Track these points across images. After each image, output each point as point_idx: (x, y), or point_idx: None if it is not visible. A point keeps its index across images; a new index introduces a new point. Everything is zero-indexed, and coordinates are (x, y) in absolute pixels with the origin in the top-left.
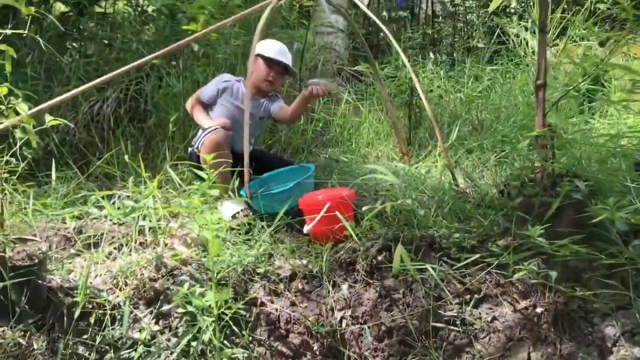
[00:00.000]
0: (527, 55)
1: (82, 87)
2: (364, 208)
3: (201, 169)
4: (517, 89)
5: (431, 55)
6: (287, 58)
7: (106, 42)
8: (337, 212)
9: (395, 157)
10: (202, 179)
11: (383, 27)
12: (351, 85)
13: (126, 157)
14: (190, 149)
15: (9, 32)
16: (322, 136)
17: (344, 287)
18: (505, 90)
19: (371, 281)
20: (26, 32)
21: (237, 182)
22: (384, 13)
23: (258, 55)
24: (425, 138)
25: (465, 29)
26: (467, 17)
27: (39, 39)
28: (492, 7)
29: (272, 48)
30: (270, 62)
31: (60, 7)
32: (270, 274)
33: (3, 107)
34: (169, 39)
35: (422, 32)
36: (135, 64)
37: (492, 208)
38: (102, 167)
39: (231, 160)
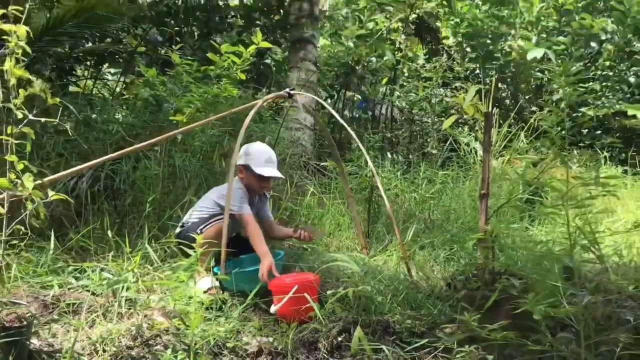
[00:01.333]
0: (475, 163)
1: (86, 164)
2: (328, 292)
3: (189, 246)
4: (465, 194)
5: (389, 156)
6: (274, 164)
7: (83, 120)
8: (305, 294)
9: (355, 248)
10: (187, 255)
11: (347, 127)
12: (316, 178)
13: (109, 232)
14: (179, 229)
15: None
16: (287, 224)
17: None
18: (455, 193)
19: (331, 359)
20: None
21: (212, 261)
22: (346, 112)
23: (246, 166)
24: (383, 232)
25: (421, 134)
26: (423, 120)
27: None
28: (446, 125)
29: (260, 158)
30: (259, 176)
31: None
32: (238, 349)
33: (18, 181)
34: (149, 124)
35: (382, 134)
36: (125, 151)
37: (440, 299)
38: (79, 239)
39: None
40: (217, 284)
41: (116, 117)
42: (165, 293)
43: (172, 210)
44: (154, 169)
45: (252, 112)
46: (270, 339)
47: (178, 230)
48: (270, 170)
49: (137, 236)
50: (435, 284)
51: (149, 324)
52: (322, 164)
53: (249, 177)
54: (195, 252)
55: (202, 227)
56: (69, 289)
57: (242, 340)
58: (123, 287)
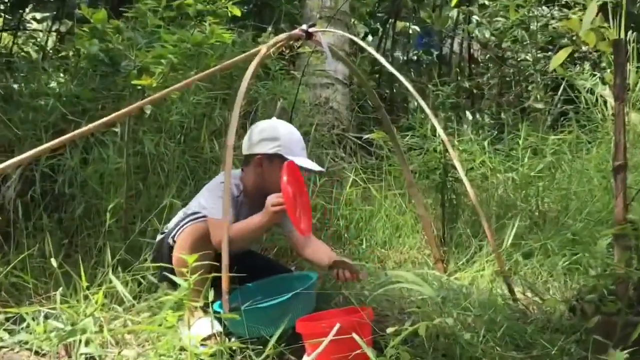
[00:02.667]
0: (606, 120)
1: (11, 161)
2: (388, 330)
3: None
4: (592, 168)
5: (469, 117)
6: (306, 152)
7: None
8: (353, 335)
9: (425, 262)
10: (174, 284)
11: (401, 77)
12: (358, 159)
13: (53, 260)
14: (160, 236)
15: None
16: (319, 231)
17: None
18: (576, 169)
19: None
20: None
21: (212, 293)
22: (397, 54)
23: (276, 155)
24: (466, 235)
25: (517, 79)
26: (519, 58)
27: None
28: (555, 64)
29: (296, 144)
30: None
31: None
32: None
33: None
34: (101, 95)
35: (456, 84)
36: (67, 137)
37: (561, 331)
38: (9, 273)
39: (215, 263)
40: (219, 328)
41: (51, 86)
42: (144, 345)
43: (144, 221)
44: (114, 161)
45: (253, 65)
46: None
47: (157, 242)
48: (313, 165)
49: (95, 263)
50: (553, 309)
51: None
52: (366, 136)
53: (272, 171)
54: (185, 280)
55: (174, 233)
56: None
57: None
58: (80, 340)
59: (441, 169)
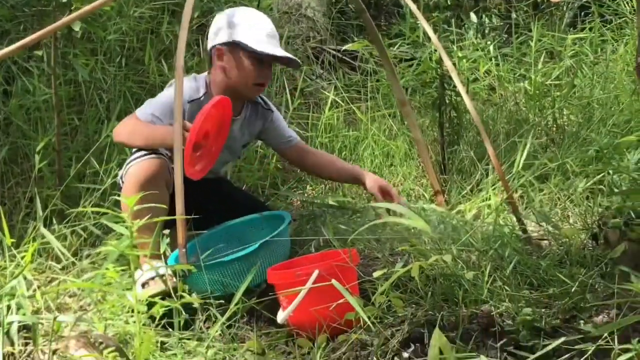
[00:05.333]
0: (632, 13)
1: None
2: (375, 273)
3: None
4: (619, 71)
5: (472, 17)
6: (277, 42)
7: None
8: (333, 282)
9: (422, 195)
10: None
11: None
12: (338, 75)
13: None
14: (118, 178)
15: None
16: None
17: None
18: (600, 73)
19: None
20: None
21: (166, 240)
22: None
23: (234, 44)
24: (469, 160)
25: None
26: None
27: None
28: None
29: (258, 30)
30: (259, 57)
31: None
32: None
33: None
34: (20, 11)
35: None
36: None
37: (582, 265)
38: None
39: (165, 206)
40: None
41: None
42: (86, 308)
43: (81, 162)
44: (42, 93)
45: None
46: None
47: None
48: (281, 51)
49: (26, 215)
50: (572, 239)
51: None
52: (346, 47)
53: (236, 66)
54: (127, 226)
55: (121, 173)
56: None
57: None
58: (9, 306)
59: (438, 83)
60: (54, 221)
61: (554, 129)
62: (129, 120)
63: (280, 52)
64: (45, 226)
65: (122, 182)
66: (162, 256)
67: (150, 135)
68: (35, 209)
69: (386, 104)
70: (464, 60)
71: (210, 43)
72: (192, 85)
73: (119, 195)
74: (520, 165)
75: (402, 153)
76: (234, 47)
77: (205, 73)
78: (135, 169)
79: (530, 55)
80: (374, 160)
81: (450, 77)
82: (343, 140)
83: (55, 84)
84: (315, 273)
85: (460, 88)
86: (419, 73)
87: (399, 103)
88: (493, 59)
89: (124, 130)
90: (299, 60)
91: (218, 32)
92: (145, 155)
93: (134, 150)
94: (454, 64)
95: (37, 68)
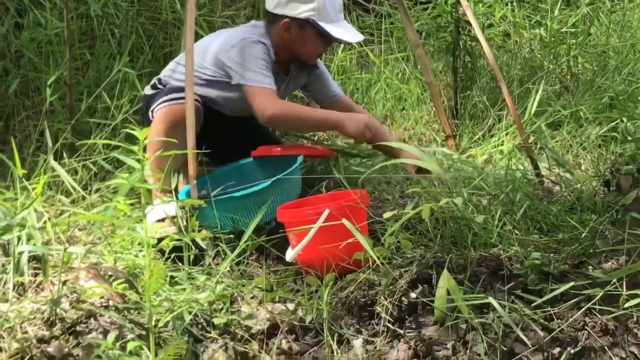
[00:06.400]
0: None
1: None
2: (385, 214)
3: None
4: (635, 19)
5: None
6: (342, 15)
7: None
8: (344, 221)
9: (434, 139)
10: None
11: None
12: (352, 18)
13: None
14: (150, 91)
15: None
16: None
17: (357, 343)
18: (616, 21)
19: (401, 331)
20: None
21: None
22: None
23: (306, 21)
24: (482, 105)
25: None
26: None
27: None
28: None
29: (330, 9)
30: (329, 38)
31: None
32: (235, 327)
33: None
34: None
35: None
36: None
37: (594, 211)
38: None
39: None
40: (173, 212)
41: None
42: (96, 241)
43: (92, 96)
44: (54, 26)
45: None
46: (290, 306)
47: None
48: (352, 34)
49: (37, 149)
50: (584, 185)
51: (72, 296)
52: None
53: (303, 42)
54: (139, 159)
55: (157, 104)
56: None
57: (241, 312)
58: (20, 237)
59: (451, 26)
60: (65, 155)
61: (568, 76)
62: (269, 99)
63: (353, 37)
64: (55, 160)
65: (152, 116)
66: (174, 192)
67: (321, 121)
68: (46, 142)
69: (399, 47)
70: (480, 5)
71: (279, 9)
72: (260, 38)
73: (133, 127)
74: (533, 111)
75: (415, 97)
76: (305, 23)
77: (261, 23)
78: (166, 112)
79: (546, 2)
80: (386, 104)
81: (466, 22)
82: (355, 83)
83: (68, 17)
84: (326, 212)
85: (477, 30)
86: (434, 17)
87: (413, 46)
88: (509, 4)
89: (283, 113)
90: (362, 37)
91: (290, 3)
92: (177, 99)
93: (166, 88)
94: (470, 8)
95: (50, 1)
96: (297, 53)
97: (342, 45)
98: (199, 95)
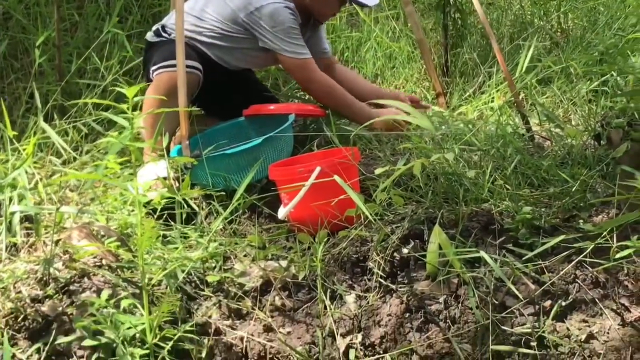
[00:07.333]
0: None
1: None
2: (376, 171)
3: None
4: None
5: None
6: None
7: None
8: (335, 178)
9: (424, 97)
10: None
11: None
12: None
13: None
14: (153, 38)
15: None
16: None
17: (350, 298)
18: None
19: (393, 286)
20: None
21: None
22: None
23: None
24: (472, 62)
25: None
26: None
27: None
28: None
29: None
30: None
31: None
32: (228, 285)
33: None
34: None
35: None
36: None
37: (584, 164)
38: None
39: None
40: (164, 173)
41: None
42: (88, 201)
43: (82, 58)
44: None
45: None
46: (283, 263)
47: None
48: None
49: (27, 111)
50: (574, 139)
51: (65, 256)
52: None
53: (322, 3)
54: (129, 117)
55: (158, 67)
56: None
57: (234, 270)
58: (11, 198)
59: None
60: (55, 116)
61: (559, 32)
62: (316, 71)
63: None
64: (46, 121)
65: (152, 75)
66: (165, 151)
67: (351, 113)
68: (36, 104)
69: (389, 5)
70: None
71: None
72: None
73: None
74: (524, 68)
75: (405, 55)
76: None
77: None
78: (166, 77)
79: None
80: (377, 62)
81: None
82: (345, 41)
83: None
84: (317, 169)
85: None
86: None
87: (403, 3)
88: None
89: (323, 92)
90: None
91: None
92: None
93: (169, 39)
94: None
95: None
96: (313, 11)
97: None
98: (205, 46)
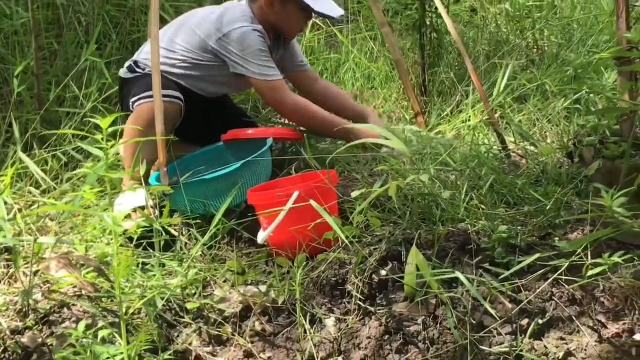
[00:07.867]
0: None
1: None
2: (353, 193)
3: None
4: None
5: None
6: None
7: None
8: (311, 202)
9: (402, 117)
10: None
11: None
12: None
13: None
14: (126, 74)
15: None
16: None
17: (329, 322)
18: None
19: (372, 309)
20: None
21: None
22: None
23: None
24: (449, 81)
25: None
26: None
27: None
28: None
29: None
30: (311, 12)
31: None
32: (208, 311)
33: None
34: None
35: None
36: None
37: (558, 182)
38: None
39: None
40: (141, 202)
41: None
42: (67, 230)
43: (60, 86)
44: (19, 16)
45: None
46: (263, 288)
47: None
48: (333, 8)
49: (5, 140)
50: (548, 157)
51: (44, 287)
52: None
53: (286, 17)
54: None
55: (138, 98)
56: None
57: (214, 296)
58: None
59: (418, 4)
60: (35, 145)
61: (534, 50)
62: (280, 91)
63: (334, 11)
64: (25, 151)
65: (132, 107)
66: (142, 179)
67: (326, 132)
68: (13, 136)
69: (367, 27)
70: None
71: None
72: (248, 13)
73: (102, 116)
74: (502, 87)
75: (383, 75)
76: (289, 2)
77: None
78: (146, 108)
79: None
80: (355, 83)
81: None
82: (324, 63)
83: (33, 7)
84: (295, 194)
85: (440, 8)
86: None
87: (379, 24)
88: None
89: (296, 113)
90: (343, 13)
91: None
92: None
93: (144, 73)
94: None
95: None
96: (280, 28)
97: (310, 26)
98: (178, 77)
